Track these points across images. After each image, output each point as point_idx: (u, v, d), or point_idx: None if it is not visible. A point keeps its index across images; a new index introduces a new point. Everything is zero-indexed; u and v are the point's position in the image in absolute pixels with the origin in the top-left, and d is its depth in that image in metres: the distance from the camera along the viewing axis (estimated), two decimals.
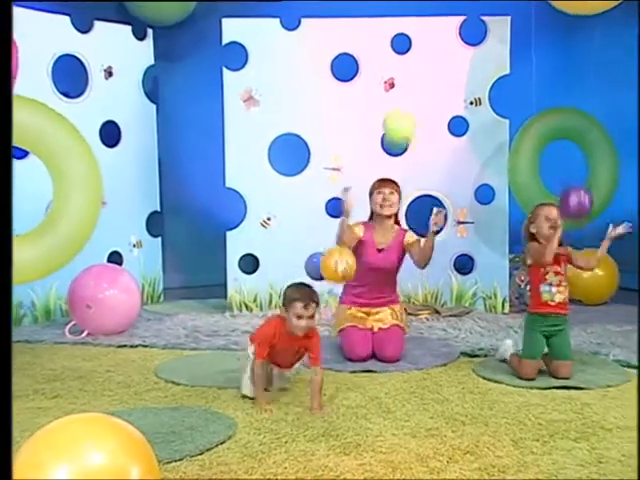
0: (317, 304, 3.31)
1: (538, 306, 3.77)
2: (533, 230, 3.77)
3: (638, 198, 5.45)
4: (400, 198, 4.28)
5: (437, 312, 5.48)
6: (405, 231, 4.34)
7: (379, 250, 4.24)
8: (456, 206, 5.67)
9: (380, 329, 4.22)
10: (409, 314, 5.23)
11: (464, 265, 5.76)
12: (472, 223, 5.66)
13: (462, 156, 5.64)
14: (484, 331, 4.90)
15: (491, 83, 5.58)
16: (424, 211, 5.75)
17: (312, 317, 3.29)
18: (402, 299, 5.49)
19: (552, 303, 3.72)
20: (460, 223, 5.68)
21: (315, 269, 5.80)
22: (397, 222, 4.37)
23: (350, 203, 3.98)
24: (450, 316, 5.38)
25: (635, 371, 3.88)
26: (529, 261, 3.81)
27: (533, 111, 5.76)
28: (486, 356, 4.23)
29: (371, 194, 4.27)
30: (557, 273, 3.74)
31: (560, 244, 3.73)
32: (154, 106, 6.14)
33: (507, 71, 5.56)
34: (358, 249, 4.22)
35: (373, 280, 4.25)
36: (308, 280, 5.62)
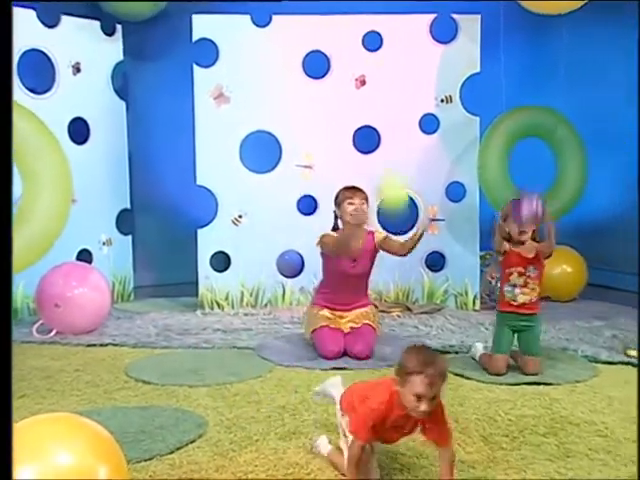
0: (444, 379, 2.38)
1: (502, 305, 3.85)
2: (506, 228, 3.78)
3: (638, 199, 5.48)
4: (368, 207, 4.26)
5: (409, 309, 5.50)
6: (372, 233, 4.33)
7: (353, 260, 4.25)
8: (427, 203, 5.66)
9: (352, 328, 4.27)
10: (381, 311, 5.25)
11: (435, 262, 5.78)
12: (443, 220, 5.67)
13: (433, 153, 5.66)
14: (455, 328, 4.93)
15: (462, 81, 5.60)
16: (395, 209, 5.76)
17: (436, 397, 2.36)
18: (374, 297, 5.53)
19: (514, 303, 3.76)
20: (431, 220, 5.67)
21: (287, 267, 5.81)
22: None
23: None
24: (421, 313, 5.40)
25: (602, 366, 3.95)
26: (499, 258, 3.87)
27: (503, 109, 5.80)
28: (457, 353, 4.27)
29: (340, 203, 4.24)
30: (521, 274, 3.75)
31: (535, 239, 3.77)
32: (123, 103, 6.08)
33: (477, 69, 5.59)
34: (331, 259, 4.25)
35: (346, 286, 4.28)
36: (280, 278, 5.66)
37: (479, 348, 4.05)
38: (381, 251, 4.33)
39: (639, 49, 5.05)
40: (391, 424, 2.45)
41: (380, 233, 4.37)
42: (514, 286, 3.77)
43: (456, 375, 3.78)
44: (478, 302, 5.68)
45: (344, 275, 4.23)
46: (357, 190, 4.24)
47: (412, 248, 4.13)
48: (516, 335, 3.86)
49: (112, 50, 5.96)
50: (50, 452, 1.79)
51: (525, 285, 3.76)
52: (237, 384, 3.68)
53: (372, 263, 4.32)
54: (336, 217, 4.33)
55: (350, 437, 2.48)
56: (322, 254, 4.31)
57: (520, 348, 3.85)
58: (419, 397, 2.32)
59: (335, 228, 4.34)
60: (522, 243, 3.76)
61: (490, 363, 3.80)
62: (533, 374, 3.73)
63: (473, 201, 5.67)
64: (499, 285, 3.95)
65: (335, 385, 2.94)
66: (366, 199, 4.22)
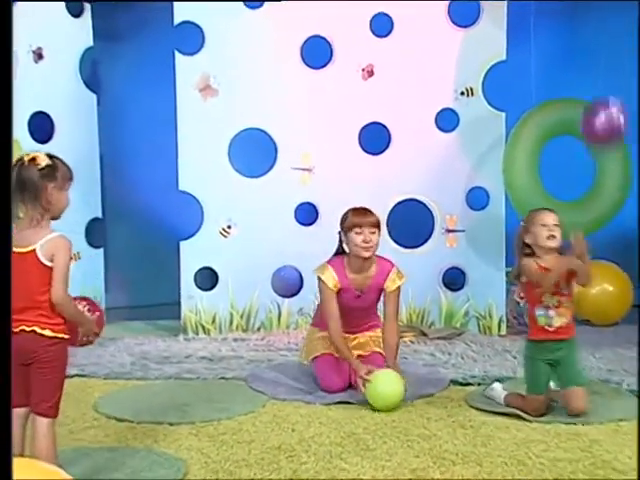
0: None
1: (535, 332, 3.71)
2: (528, 240, 3.73)
3: (638, 200, 5.49)
4: (380, 235, 4.20)
5: (423, 334, 5.49)
6: (388, 267, 4.20)
7: (357, 296, 4.23)
8: (445, 212, 5.68)
9: (359, 356, 4.22)
10: None
11: (454, 280, 5.77)
12: (463, 231, 5.68)
13: (451, 154, 5.67)
14: (478, 356, 4.91)
15: (485, 71, 5.61)
16: (407, 218, 5.76)
17: None
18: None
19: (550, 329, 3.67)
20: (449, 232, 5.69)
21: (283, 285, 5.80)
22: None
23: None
24: (438, 339, 5.38)
25: None
26: (523, 278, 3.78)
27: (532, 102, 5.78)
28: (480, 385, 4.23)
29: (347, 230, 4.14)
30: (555, 293, 3.67)
31: (560, 252, 3.71)
32: (94, 96, 6.08)
33: (503, 57, 5.60)
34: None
35: (350, 316, 4.25)
36: (275, 297, 5.65)
37: (498, 389, 3.93)
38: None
39: (639, 48, 5.13)
40: None
41: (395, 280, 4.18)
42: (547, 308, 3.68)
43: (479, 411, 3.74)
44: (504, 326, 5.66)
45: (348, 308, 4.21)
46: (366, 215, 4.15)
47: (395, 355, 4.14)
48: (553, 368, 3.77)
49: (79, 34, 5.93)
50: None
51: (559, 305, 3.68)
52: (225, 421, 3.65)
53: (379, 297, 4.28)
54: (341, 240, 4.25)
55: None
56: (319, 282, 4.22)
57: (560, 381, 3.75)
58: None
59: (339, 252, 4.28)
60: (551, 252, 3.70)
61: (527, 406, 3.68)
62: (579, 413, 3.64)
63: (498, 209, 5.66)
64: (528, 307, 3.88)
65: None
66: (377, 225, 4.16)
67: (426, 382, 4.26)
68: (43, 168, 2.70)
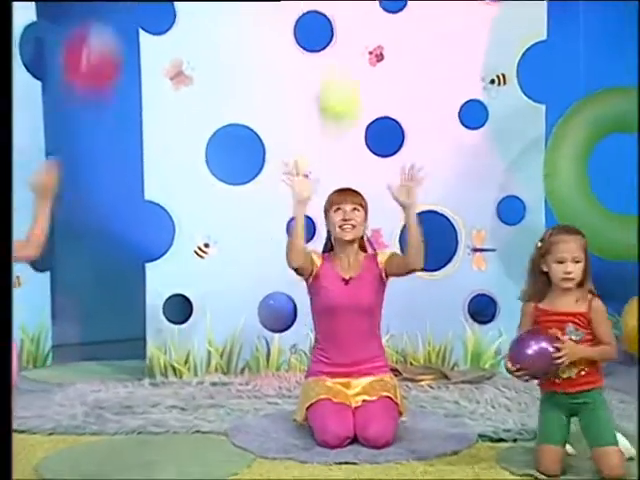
0: None
1: (543, 382, 3.75)
2: (545, 268, 3.70)
3: (638, 202, 5.46)
4: (367, 216, 4.33)
5: (445, 377, 5.48)
6: (375, 255, 4.42)
7: (345, 281, 4.25)
8: (471, 227, 5.69)
9: (364, 401, 4.22)
10: (406, 380, 5.21)
11: (483, 310, 5.78)
12: (493, 251, 5.70)
13: (479, 156, 5.68)
14: (512, 404, 4.89)
15: (521, 54, 5.61)
16: (425, 234, 5.75)
17: None
18: (395, 358, 5.46)
19: (557, 380, 3.66)
20: (476, 251, 5.69)
21: (272, 316, 5.75)
22: (363, 248, 4.43)
23: (303, 186, 4.09)
24: (463, 383, 5.37)
25: None
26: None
27: (581, 92, 5.77)
28: (515, 441, 4.20)
29: (327, 212, 4.32)
30: (557, 339, 3.62)
31: (581, 284, 3.67)
32: (38, 83, 6.09)
33: (544, 36, 5.60)
34: (314, 286, 4.30)
35: (343, 329, 4.24)
36: (263, 331, 5.60)
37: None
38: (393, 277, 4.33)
39: (639, 47, 5.23)
40: None
41: (384, 252, 4.43)
42: None
43: (514, 474, 3.69)
44: None
45: (335, 306, 4.24)
46: (349, 191, 4.32)
47: (418, 248, 4.17)
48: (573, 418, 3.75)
49: (18, 8, 5.87)
50: None
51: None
52: None
53: (377, 295, 4.32)
54: (329, 234, 4.39)
55: None
56: (307, 286, 4.34)
57: (586, 438, 3.73)
58: None
59: (327, 249, 4.41)
60: (567, 292, 3.67)
61: (537, 459, 3.69)
62: (615, 478, 3.57)
63: (536, 223, 5.64)
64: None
65: None
66: (362, 205, 4.30)
67: (448, 437, 4.24)
68: None
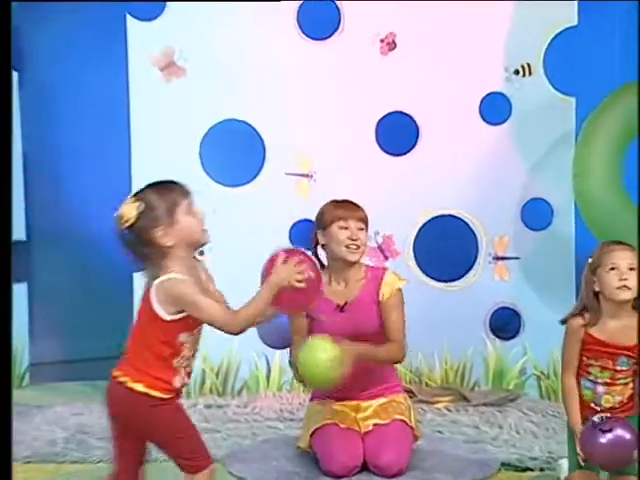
0: None
1: (580, 407, 3.68)
2: (597, 287, 3.64)
3: (638, 204, 5.42)
4: (367, 233, 4.26)
5: (464, 399, 5.46)
6: (381, 272, 4.28)
7: (340, 308, 4.18)
8: (492, 233, 5.67)
9: (375, 425, 4.17)
10: (421, 402, 5.21)
11: (505, 325, 5.75)
12: (517, 259, 5.68)
13: (502, 155, 5.66)
14: (538, 430, 4.89)
15: (548, 41, 5.60)
16: (442, 241, 5.72)
17: None
18: (409, 378, 5.43)
19: (598, 408, 3.62)
20: (498, 259, 5.67)
21: (273, 332, 5.69)
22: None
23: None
24: (485, 405, 5.35)
25: None
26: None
27: (615, 84, 5.72)
28: (542, 470, 4.21)
29: (326, 225, 4.20)
30: (605, 368, 3.62)
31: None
32: (15, 74, 6.07)
33: (574, 22, 5.59)
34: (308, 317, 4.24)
35: None
36: (262, 349, 5.55)
37: (564, 467, 3.92)
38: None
39: (639, 47, 5.25)
40: None
41: (392, 283, 4.21)
42: (595, 383, 3.65)
43: None
44: None
45: (335, 339, 4.13)
46: (353, 207, 4.23)
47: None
48: None
49: None
50: None
51: (613, 382, 3.63)
52: None
53: (379, 318, 4.20)
54: (316, 248, 4.26)
55: None
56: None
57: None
58: None
59: None
60: (624, 307, 3.61)
61: None
62: None
63: (565, 228, 5.65)
64: None
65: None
66: (366, 224, 4.22)
67: (468, 465, 4.23)
68: None
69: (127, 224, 2.97)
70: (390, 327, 4.14)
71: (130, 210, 2.97)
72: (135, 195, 3.04)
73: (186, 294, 2.97)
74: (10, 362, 2.14)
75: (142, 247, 2.99)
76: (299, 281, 3.03)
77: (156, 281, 2.96)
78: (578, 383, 3.67)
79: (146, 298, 2.99)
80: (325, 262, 4.25)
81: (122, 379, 3.07)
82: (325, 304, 4.12)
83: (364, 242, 4.19)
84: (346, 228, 4.14)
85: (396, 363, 4.27)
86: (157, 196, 3.03)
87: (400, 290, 4.19)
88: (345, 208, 4.21)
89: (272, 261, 3.15)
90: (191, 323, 3.08)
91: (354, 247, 4.14)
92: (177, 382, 3.07)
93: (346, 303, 4.17)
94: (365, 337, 4.13)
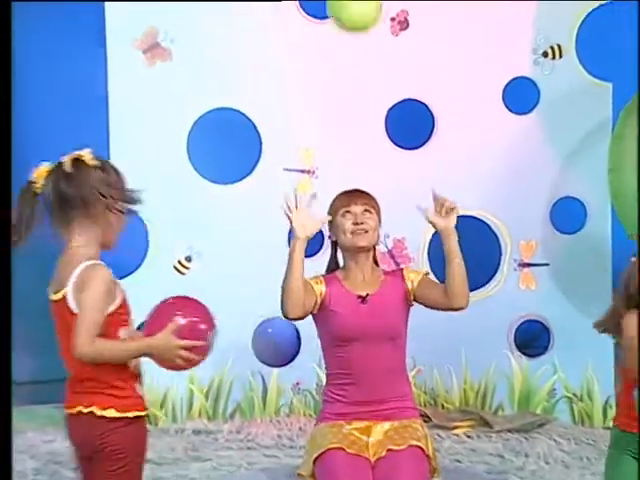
0: None
1: (625, 420, 3.67)
2: (633, 289, 3.67)
3: (638, 205, 5.45)
4: (380, 221, 4.27)
5: (486, 424, 5.48)
6: (400, 270, 4.38)
7: (362, 298, 4.19)
8: (518, 236, 5.69)
9: (389, 451, 4.10)
10: (437, 426, 5.24)
11: (533, 340, 5.82)
12: (546, 265, 5.69)
13: (528, 148, 5.68)
14: (570, 459, 4.92)
15: (580, 20, 5.60)
16: (461, 245, 5.76)
17: None
18: (424, 400, 5.44)
19: None
20: (525, 265, 5.69)
21: (270, 347, 5.73)
22: (377, 263, 4.37)
23: (305, 220, 3.98)
24: (509, 431, 5.37)
25: None
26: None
27: None
28: None
29: (332, 220, 4.24)
30: None
31: None
32: None
33: None
34: (322, 315, 4.21)
35: (363, 358, 4.16)
36: (259, 366, 5.60)
37: None
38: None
39: (639, 46, 5.25)
40: None
41: (416, 271, 4.34)
42: None
43: None
44: (613, 412, 5.55)
45: (352, 332, 4.15)
46: (357, 193, 4.27)
47: (465, 282, 4.08)
48: None
49: None
50: None
51: None
52: None
53: (402, 317, 4.24)
54: (335, 248, 4.31)
55: None
56: (314, 318, 4.25)
57: None
58: None
59: (332, 268, 4.33)
60: None
61: None
62: None
63: (601, 231, 5.67)
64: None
65: None
66: (374, 208, 4.24)
67: None
68: None
69: None
70: (433, 287, 4.19)
71: None
72: None
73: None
74: (10, 376, 2.34)
75: None
76: (178, 363, 3.13)
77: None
78: (630, 393, 3.64)
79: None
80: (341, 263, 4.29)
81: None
82: (346, 296, 4.17)
83: (372, 227, 4.18)
84: (349, 213, 4.19)
85: (460, 302, 4.11)
86: None
87: (428, 274, 4.30)
88: (348, 195, 4.26)
89: (164, 314, 3.19)
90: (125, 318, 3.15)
91: (360, 231, 4.15)
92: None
93: (367, 295, 4.19)
94: (386, 332, 4.18)
